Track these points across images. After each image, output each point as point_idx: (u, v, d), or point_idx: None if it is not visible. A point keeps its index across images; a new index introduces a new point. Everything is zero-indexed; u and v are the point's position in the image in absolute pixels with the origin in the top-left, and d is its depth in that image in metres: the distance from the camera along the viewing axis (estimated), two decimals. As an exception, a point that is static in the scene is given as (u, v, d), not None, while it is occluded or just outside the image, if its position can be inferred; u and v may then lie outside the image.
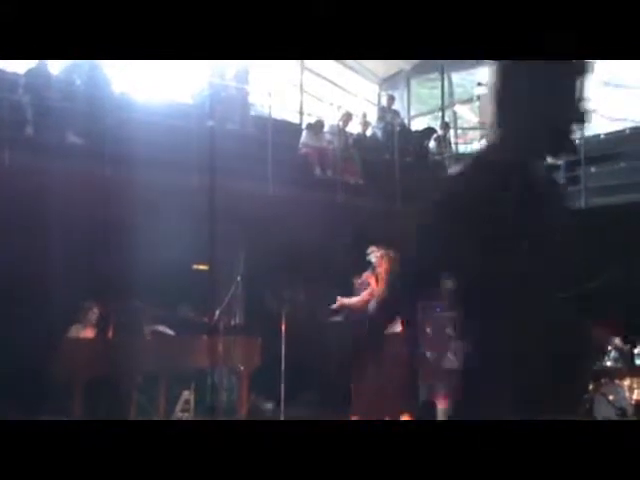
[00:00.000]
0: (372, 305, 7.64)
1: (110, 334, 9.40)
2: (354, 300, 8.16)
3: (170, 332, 9.39)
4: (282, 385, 9.10)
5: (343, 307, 8.21)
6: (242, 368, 9.40)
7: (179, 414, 9.79)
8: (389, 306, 7.33)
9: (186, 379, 9.69)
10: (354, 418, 7.42)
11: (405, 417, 7.27)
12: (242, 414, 9.27)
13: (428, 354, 11.92)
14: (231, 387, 10.64)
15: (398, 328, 7.54)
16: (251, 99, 12.71)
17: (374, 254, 7.67)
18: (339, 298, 8.22)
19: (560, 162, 12.91)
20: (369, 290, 7.70)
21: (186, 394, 9.83)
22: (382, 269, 7.59)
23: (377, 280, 7.57)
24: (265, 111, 12.62)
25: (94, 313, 9.43)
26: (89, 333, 9.37)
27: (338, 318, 10.98)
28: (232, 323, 10.02)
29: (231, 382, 10.59)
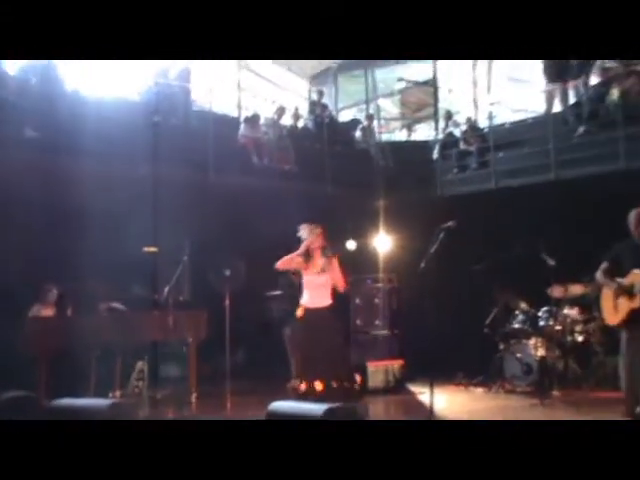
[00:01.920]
0: (308, 278, 7.61)
1: (69, 312, 9.32)
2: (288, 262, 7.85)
3: (124, 308, 9.33)
4: (227, 355, 9.12)
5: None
6: (190, 340, 9.37)
7: (134, 382, 9.76)
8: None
9: (140, 351, 9.64)
10: (293, 383, 7.42)
11: (334, 382, 7.29)
12: (192, 381, 9.25)
13: (359, 322, 12.06)
14: (181, 357, 10.60)
15: (329, 301, 7.52)
16: (193, 96, 12.62)
17: (304, 231, 7.60)
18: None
19: (472, 148, 13.15)
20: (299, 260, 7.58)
21: (140, 364, 9.79)
22: (318, 244, 7.53)
23: (310, 254, 7.51)
24: (206, 106, 12.57)
25: (53, 294, 9.36)
26: (49, 312, 9.29)
27: (277, 292, 11.02)
28: (180, 299, 9.97)
29: (181, 353, 10.55)
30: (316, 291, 7.47)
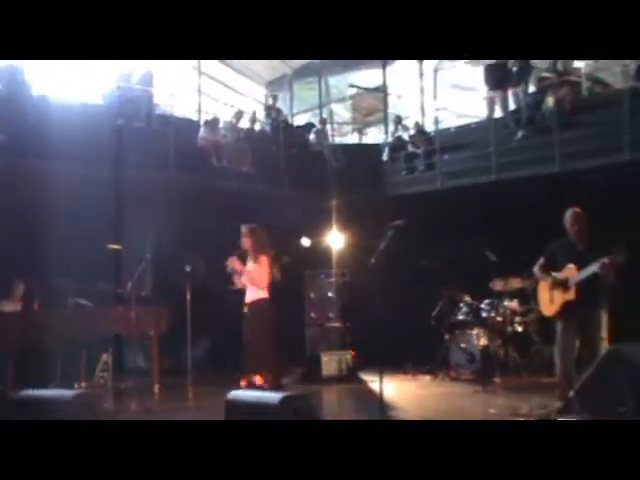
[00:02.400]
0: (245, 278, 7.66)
1: (36, 307, 9.22)
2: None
3: (89, 304, 9.26)
4: (189, 347, 9.09)
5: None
6: (152, 333, 9.34)
7: (99, 374, 9.70)
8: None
9: (104, 344, 9.58)
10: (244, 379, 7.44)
11: (264, 374, 7.35)
12: (154, 372, 9.20)
13: (313, 314, 12.09)
14: (143, 350, 10.55)
15: (259, 295, 7.57)
16: (155, 100, 12.54)
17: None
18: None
19: (419, 151, 13.26)
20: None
21: (105, 357, 9.74)
22: (247, 245, 7.61)
23: (245, 254, 7.59)
24: (168, 110, 12.50)
25: (20, 289, 9.26)
26: (16, 307, 9.18)
27: (236, 287, 11.00)
28: (142, 294, 9.90)
29: (143, 345, 10.50)
30: (249, 287, 7.57)
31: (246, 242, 7.61)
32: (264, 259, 7.55)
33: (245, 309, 7.67)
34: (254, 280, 7.53)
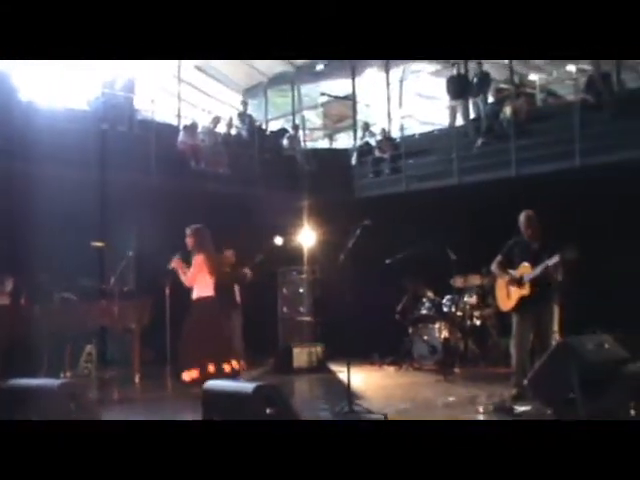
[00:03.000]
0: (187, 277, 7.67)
1: (23, 301, 9.15)
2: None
3: (75, 298, 9.21)
4: (168, 339, 9.07)
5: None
6: (134, 326, 9.31)
7: (84, 364, 9.65)
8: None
9: (88, 336, 9.54)
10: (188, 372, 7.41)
11: (232, 363, 7.37)
12: (135, 363, 9.17)
13: (285, 309, 12.13)
14: (126, 342, 10.50)
15: (204, 293, 7.60)
16: (137, 105, 12.49)
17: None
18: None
19: (386, 156, 13.34)
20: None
21: (89, 348, 9.68)
22: (190, 245, 7.65)
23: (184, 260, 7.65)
24: (149, 115, 12.46)
25: (9, 284, 9.18)
26: (5, 300, 9.10)
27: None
28: (125, 290, 9.86)
29: (125, 338, 10.46)
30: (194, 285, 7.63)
31: (189, 242, 7.69)
32: (199, 259, 7.58)
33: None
34: (184, 279, 7.60)
